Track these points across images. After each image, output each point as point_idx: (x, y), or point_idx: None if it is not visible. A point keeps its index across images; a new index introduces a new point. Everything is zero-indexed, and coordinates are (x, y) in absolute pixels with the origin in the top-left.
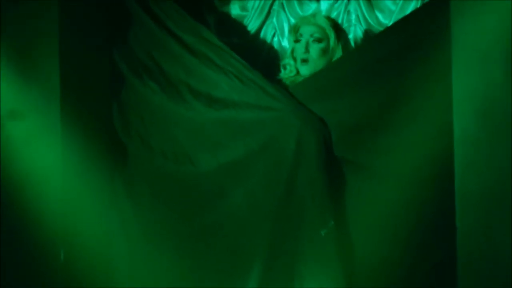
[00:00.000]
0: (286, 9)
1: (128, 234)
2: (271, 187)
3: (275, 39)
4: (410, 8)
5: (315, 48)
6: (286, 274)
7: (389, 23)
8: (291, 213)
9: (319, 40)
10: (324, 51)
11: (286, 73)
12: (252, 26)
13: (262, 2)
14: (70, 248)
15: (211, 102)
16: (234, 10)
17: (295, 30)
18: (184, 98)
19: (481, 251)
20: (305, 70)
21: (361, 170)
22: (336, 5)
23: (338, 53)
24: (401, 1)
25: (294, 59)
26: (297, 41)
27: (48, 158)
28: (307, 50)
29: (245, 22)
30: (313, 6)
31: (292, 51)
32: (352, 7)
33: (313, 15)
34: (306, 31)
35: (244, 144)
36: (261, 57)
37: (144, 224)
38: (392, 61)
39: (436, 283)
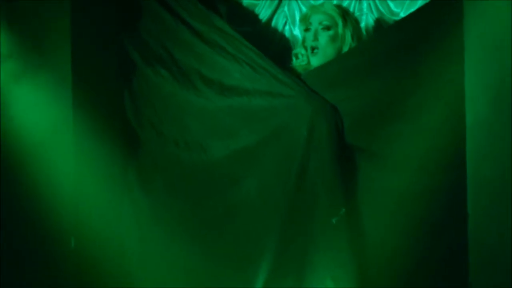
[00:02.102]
0: None
1: (140, 222)
2: (283, 175)
3: (287, 27)
4: None
5: (323, 36)
6: (297, 261)
7: (401, 11)
8: (302, 201)
9: (327, 28)
10: (333, 38)
11: (298, 62)
12: (263, 15)
13: None
14: (81, 235)
15: (222, 90)
16: None
17: (305, 19)
18: (196, 86)
19: (492, 239)
20: (315, 61)
21: (373, 158)
22: None
23: (348, 40)
24: None
25: (305, 48)
26: (307, 30)
27: (61, 147)
28: (316, 38)
29: (257, 10)
30: None
31: (303, 40)
32: None
33: (322, 4)
34: (315, 20)
35: (256, 132)
36: (273, 46)
37: (156, 212)
38: (405, 50)
39: (448, 270)
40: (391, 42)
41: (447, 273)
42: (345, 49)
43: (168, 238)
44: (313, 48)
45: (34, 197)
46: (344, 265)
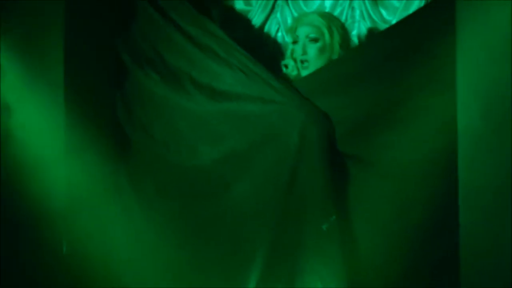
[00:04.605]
0: (290, 4)
1: (131, 226)
2: (274, 180)
3: (279, 34)
4: (414, 5)
5: (312, 48)
6: (288, 267)
7: (393, 19)
8: (293, 207)
9: (315, 40)
10: (322, 50)
11: (288, 72)
12: (256, 21)
13: None
14: (73, 240)
15: (214, 95)
16: (239, 4)
17: (292, 31)
18: (186, 89)
19: (484, 248)
20: (306, 73)
21: (365, 165)
22: (340, 1)
23: (336, 49)
24: None
25: (294, 60)
26: (294, 42)
27: (52, 149)
28: (304, 51)
29: (249, 16)
30: (317, 2)
31: (292, 52)
32: (356, 3)
33: (306, 14)
34: (302, 32)
35: (247, 137)
36: (265, 52)
37: (147, 216)
38: (397, 57)
39: (440, 279)
40: (382, 49)
41: (439, 281)
42: (334, 57)
43: (159, 242)
44: (302, 61)
45: (25, 201)
46: (334, 272)
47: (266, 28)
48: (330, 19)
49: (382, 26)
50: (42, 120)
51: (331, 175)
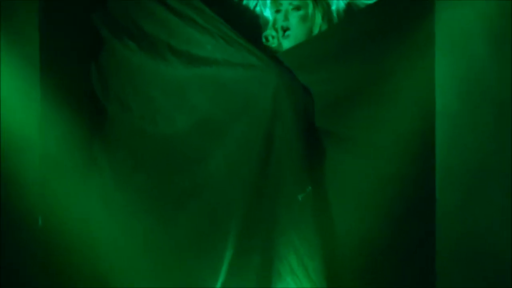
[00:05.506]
0: None
1: (107, 199)
2: (249, 149)
3: (257, 9)
4: None
5: (294, 16)
6: (263, 238)
7: None
8: (268, 177)
9: (297, 8)
10: (304, 19)
11: (269, 44)
12: None
13: None
14: (48, 214)
15: (191, 60)
16: None
17: (275, 1)
18: (164, 56)
19: (460, 228)
20: (287, 44)
21: (342, 141)
22: None
23: (318, 21)
24: None
25: (276, 30)
26: (277, 11)
27: (27, 123)
28: (286, 18)
29: None
30: None
31: (274, 22)
32: None
33: None
34: (286, 0)
35: (224, 104)
36: (243, 27)
37: (123, 189)
38: (377, 37)
39: (416, 256)
40: (363, 28)
41: (416, 259)
42: (315, 30)
43: (135, 216)
44: (284, 30)
45: None
46: (307, 241)
47: (243, 4)
48: None
49: (362, 3)
50: (16, 93)
51: (307, 145)
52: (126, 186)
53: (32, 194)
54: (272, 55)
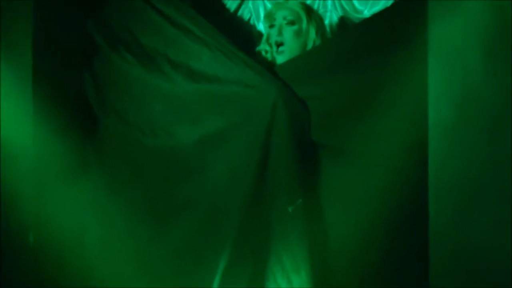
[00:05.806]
0: None
1: (101, 211)
2: (248, 162)
3: (251, 22)
4: None
5: (288, 31)
6: (255, 251)
7: (365, 10)
8: (265, 189)
9: (292, 23)
10: (298, 34)
11: (262, 58)
12: (228, 9)
13: None
14: (41, 226)
15: (191, 74)
16: None
17: (269, 16)
18: (163, 70)
19: (453, 240)
20: (281, 59)
21: (336, 154)
22: None
23: (312, 36)
24: None
25: (270, 45)
26: (271, 26)
27: (20, 133)
28: (280, 33)
29: (221, 5)
30: None
31: (268, 37)
32: None
33: (287, 0)
34: (279, 15)
35: (224, 117)
36: (237, 40)
37: (119, 201)
38: (372, 50)
39: (411, 268)
40: (357, 41)
41: (410, 272)
42: (309, 44)
43: (127, 224)
44: (278, 45)
45: None
46: (293, 254)
47: (238, 17)
48: (309, 7)
49: (354, 16)
50: (10, 103)
51: (301, 158)
52: (123, 198)
53: (25, 204)
54: (269, 70)
